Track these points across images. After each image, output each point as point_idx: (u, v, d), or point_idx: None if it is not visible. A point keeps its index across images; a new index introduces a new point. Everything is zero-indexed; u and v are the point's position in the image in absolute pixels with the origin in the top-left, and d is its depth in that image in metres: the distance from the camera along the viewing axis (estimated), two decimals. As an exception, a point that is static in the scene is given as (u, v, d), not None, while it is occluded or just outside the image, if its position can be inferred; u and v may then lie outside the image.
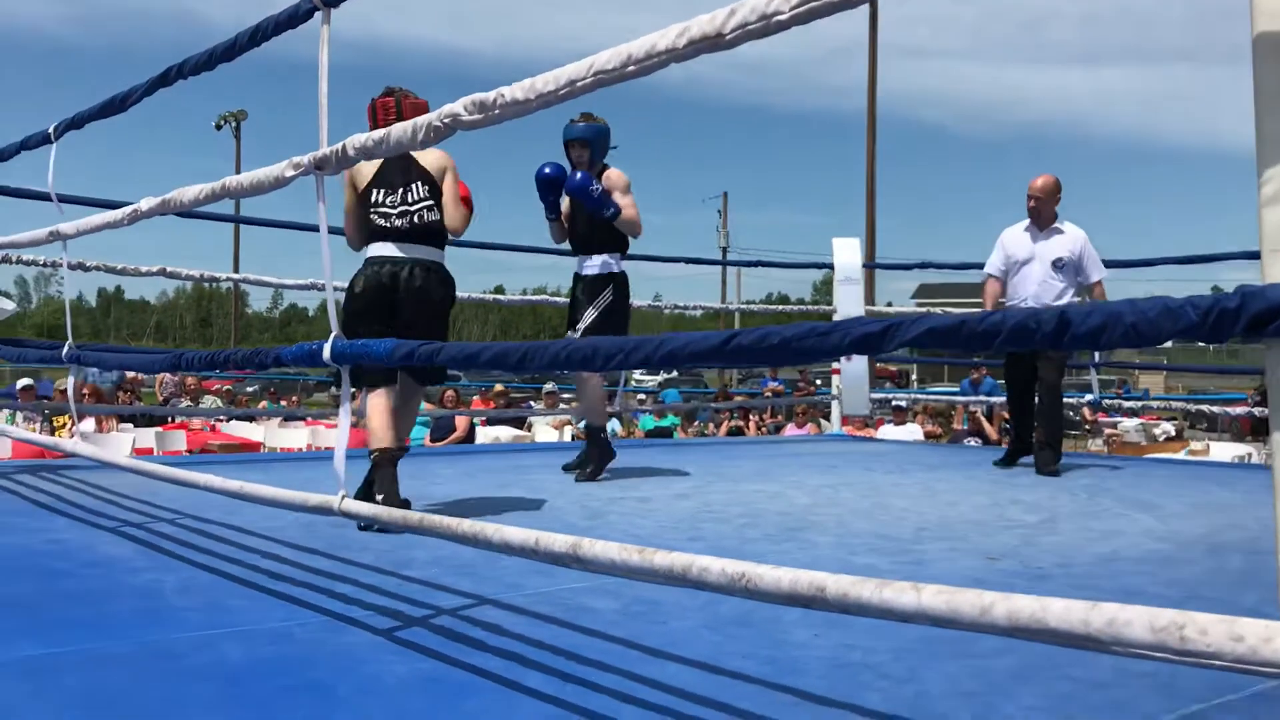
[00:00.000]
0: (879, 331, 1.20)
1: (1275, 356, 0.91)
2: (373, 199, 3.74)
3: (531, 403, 14.77)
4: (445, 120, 1.75)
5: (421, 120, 1.81)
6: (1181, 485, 5.20)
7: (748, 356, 1.34)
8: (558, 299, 8.76)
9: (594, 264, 5.15)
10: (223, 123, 40.44)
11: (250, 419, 11.66)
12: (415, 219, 3.75)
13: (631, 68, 1.41)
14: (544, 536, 1.61)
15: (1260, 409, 9.07)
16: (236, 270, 31.94)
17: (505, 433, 10.39)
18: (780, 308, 12.89)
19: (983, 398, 11.05)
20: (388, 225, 3.73)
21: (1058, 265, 5.70)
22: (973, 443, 10.77)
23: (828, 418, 10.55)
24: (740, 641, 2.13)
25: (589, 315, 5.05)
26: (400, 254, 3.71)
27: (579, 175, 4.91)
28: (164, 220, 3.61)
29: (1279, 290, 0.88)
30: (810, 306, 13.86)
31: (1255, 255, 5.27)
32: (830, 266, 8.48)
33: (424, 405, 11.35)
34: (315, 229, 2.29)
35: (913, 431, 11.81)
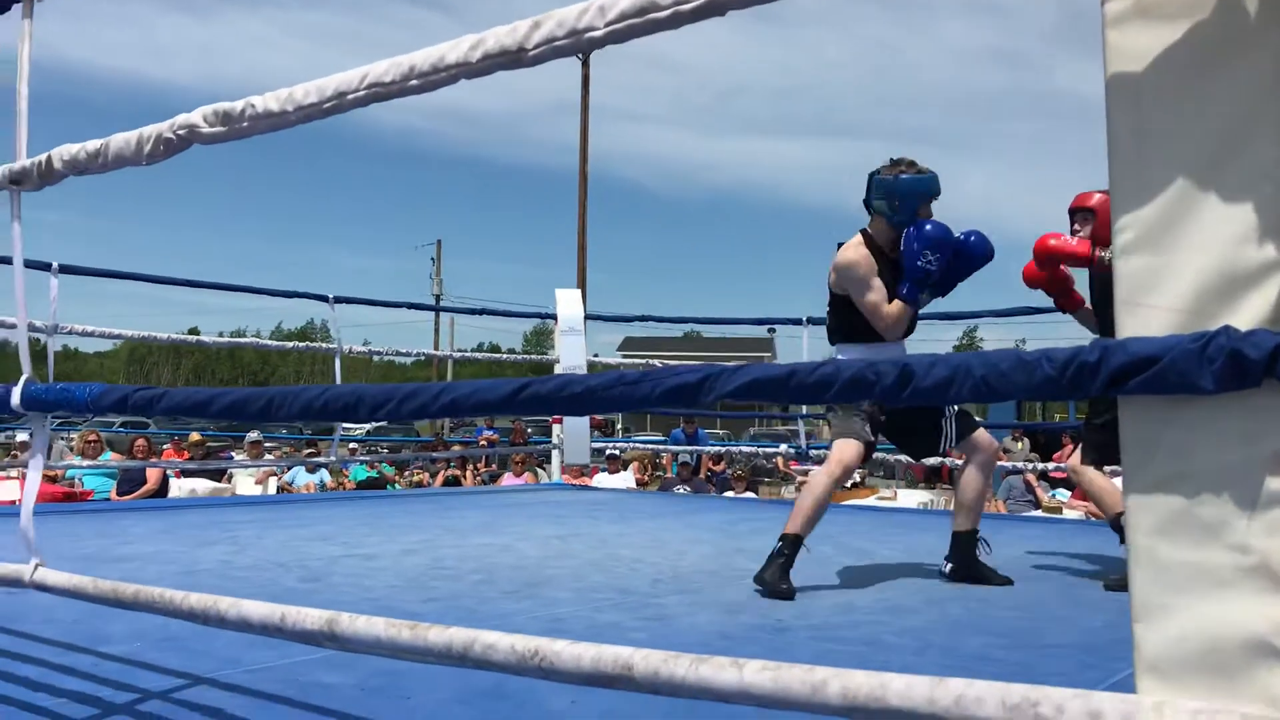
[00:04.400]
0: (695, 383, 1.10)
1: (1132, 413, 0.87)
2: None
3: (232, 453, 13.83)
4: (179, 131, 1.51)
5: (149, 131, 1.56)
6: (886, 532, 5.45)
7: (545, 406, 1.21)
8: (259, 341, 8.22)
9: None
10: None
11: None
12: None
13: (414, 81, 1.25)
14: (291, 612, 1.39)
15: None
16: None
17: (202, 485, 9.61)
18: (498, 355, 12.72)
19: (695, 447, 11.38)
20: None
21: None
22: (682, 490, 11.03)
23: (544, 466, 10.51)
24: (495, 716, 1.96)
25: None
26: None
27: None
28: None
29: (1140, 344, 0.84)
30: (529, 356, 13.85)
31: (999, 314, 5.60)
32: (553, 317, 8.47)
33: (110, 455, 10.42)
34: (6, 261, 1.94)
35: (626, 479, 11.93)
